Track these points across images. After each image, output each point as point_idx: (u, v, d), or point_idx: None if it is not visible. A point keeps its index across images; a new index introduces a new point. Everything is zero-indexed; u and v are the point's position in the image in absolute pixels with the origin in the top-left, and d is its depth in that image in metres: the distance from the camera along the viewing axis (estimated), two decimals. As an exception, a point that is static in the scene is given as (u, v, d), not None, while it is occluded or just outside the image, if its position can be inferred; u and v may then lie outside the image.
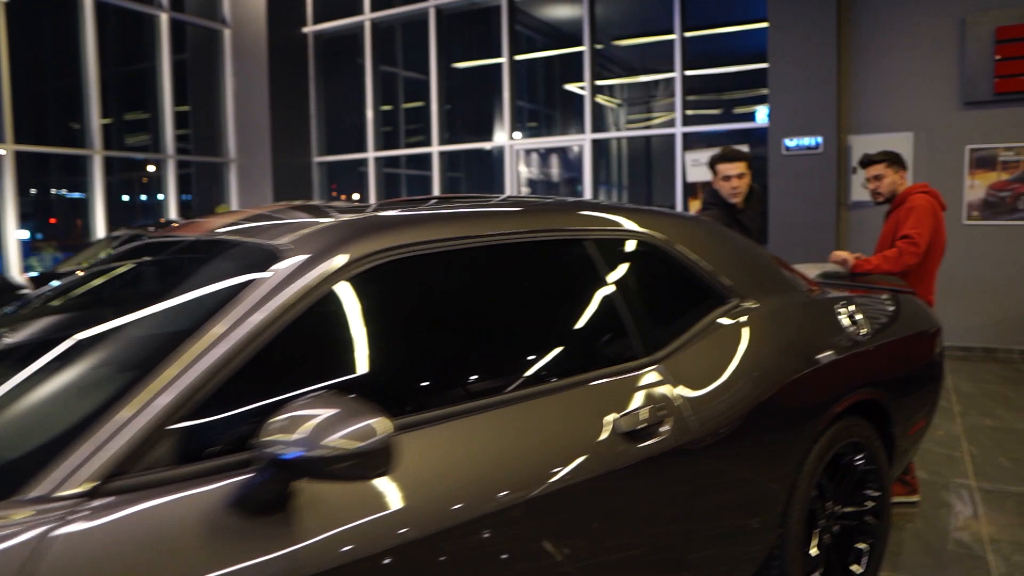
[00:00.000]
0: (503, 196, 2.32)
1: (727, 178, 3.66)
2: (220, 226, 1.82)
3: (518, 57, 10.20)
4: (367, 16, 9.99)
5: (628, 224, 2.05)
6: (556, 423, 1.62)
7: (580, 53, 8.64)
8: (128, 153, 10.42)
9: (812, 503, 2.33)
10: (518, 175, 10.42)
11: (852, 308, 2.55)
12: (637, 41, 10.27)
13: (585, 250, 1.90)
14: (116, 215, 10.69)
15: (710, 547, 1.95)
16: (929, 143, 6.80)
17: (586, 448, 1.63)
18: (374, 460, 1.20)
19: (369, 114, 10.17)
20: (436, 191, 9.81)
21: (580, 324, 1.85)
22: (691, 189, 7.84)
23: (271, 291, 1.41)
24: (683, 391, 1.85)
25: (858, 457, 2.50)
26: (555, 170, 11.04)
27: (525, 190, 10.82)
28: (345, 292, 1.49)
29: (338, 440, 1.18)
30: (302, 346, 1.42)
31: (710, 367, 1.96)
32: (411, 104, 10.84)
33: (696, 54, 8.32)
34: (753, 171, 7.14)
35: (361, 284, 1.51)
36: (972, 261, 6.72)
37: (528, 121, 12.23)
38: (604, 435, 1.66)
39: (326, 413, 1.21)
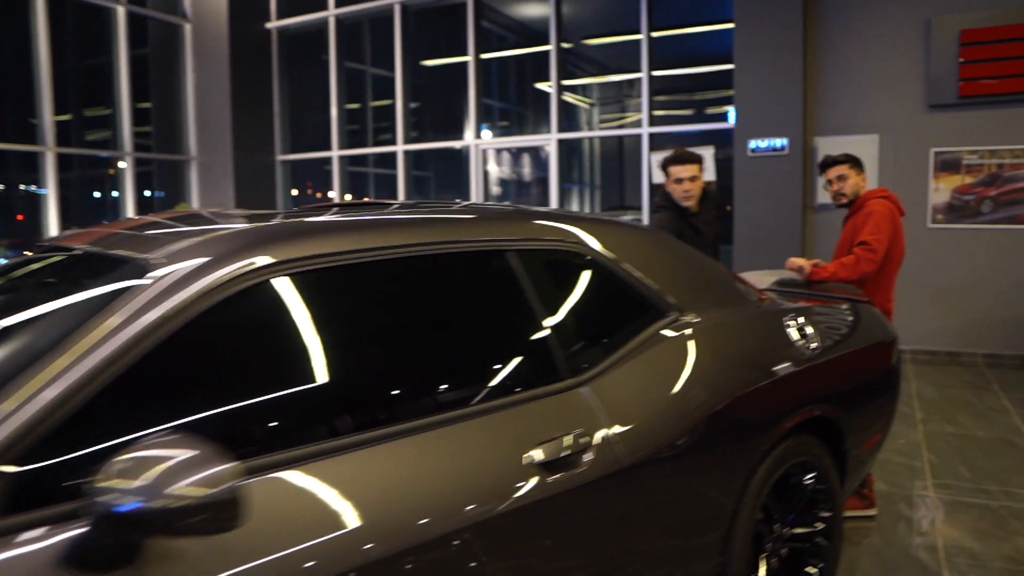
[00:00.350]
0: (462, 203, 2.18)
1: (679, 181, 3.53)
2: (103, 235, 1.65)
3: (488, 55, 10.04)
4: (331, 12, 9.78)
5: (556, 233, 1.91)
6: (463, 454, 1.48)
7: (548, 52, 8.50)
8: (84, 150, 10.12)
9: (758, 526, 2.21)
10: (487, 175, 10.30)
11: (802, 321, 2.43)
12: (607, 40, 10.17)
13: (507, 262, 1.75)
14: (87, 212, 10.45)
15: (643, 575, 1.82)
16: (894, 145, 6.75)
17: (497, 481, 1.48)
18: (227, 510, 1.05)
19: (333, 112, 9.96)
20: (401, 190, 9.63)
21: (497, 344, 1.69)
22: (657, 191, 7.73)
23: (133, 314, 1.25)
24: (611, 414, 1.71)
25: (808, 477, 2.38)
26: (526, 170, 10.90)
27: (496, 190, 10.68)
28: (224, 313, 1.33)
29: (184, 488, 1.02)
30: (165, 376, 1.26)
31: (642, 387, 1.82)
32: (379, 102, 10.65)
33: (664, 54, 8.23)
34: (719, 172, 7.12)
35: (244, 303, 1.35)
36: (936, 264, 6.69)
37: (500, 120, 12.09)
38: (518, 466, 1.52)
39: (181, 455, 1.05)
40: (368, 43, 10.75)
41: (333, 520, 1.28)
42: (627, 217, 8.75)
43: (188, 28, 10.15)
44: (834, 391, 2.45)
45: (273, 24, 10.21)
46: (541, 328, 1.73)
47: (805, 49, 6.79)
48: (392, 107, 9.65)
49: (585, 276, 1.93)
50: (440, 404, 1.52)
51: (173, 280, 1.30)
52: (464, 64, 9.15)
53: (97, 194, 10.88)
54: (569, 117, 11.85)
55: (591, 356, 1.79)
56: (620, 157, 11.98)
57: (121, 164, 10.17)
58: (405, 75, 9.47)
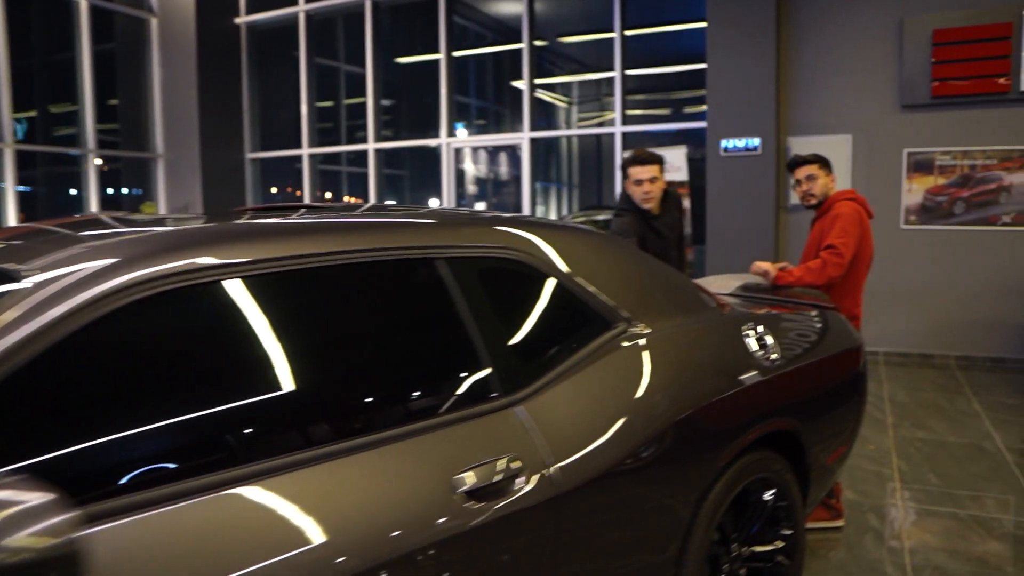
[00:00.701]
0: (426, 208, 2.04)
1: (639, 182, 3.41)
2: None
3: (465, 53, 9.91)
4: (302, 7, 9.59)
5: (492, 238, 1.77)
6: (381, 482, 1.34)
7: (520, 49, 8.38)
8: (44, 147, 9.87)
9: (714, 547, 2.10)
10: (463, 174, 10.19)
11: (761, 330, 2.32)
12: (582, 38, 10.08)
13: (435, 271, 1.61)
14: (57, 209, 10.23)
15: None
16: (867, 146, 6.70)
17: (419, 511, 1.35)
18: (70, 566, 0.91)
19: (304, 109, 9.78)
20: (372, 190, 9.47)
21: (422, 361, 1.55)
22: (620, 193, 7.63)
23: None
24: (547, 436, 1.58)
25: (768, 494, 2.27)
26: (503, 168, 10.79)
27: (472, 189, 10.55)
28: (104, 331, 1.18)
29: (23, 540, 0.89)
30: (25, 408, 1.12)
31: (584, 406, 1.70)
32: (353, 100, 10.48)
33: (640, 53, 8.13)
34: (693, 172, 7.03)
35: (117, 324, 1.21)
36: (910, 266, 6.65)
37: (477, 118, 11.96)
38: (444, 494, 1.39)
39: (22, 500, 0.92)
40: (341, 39, 10.58)
41: (233, 560, 1.14)
42: (601, 216, 8.65)
43: (155, 23, 9.92)
44: (796, 403, 2.35)
45: (242, 19, 10.01)
46: (472, 343, 1.59)
47: (778, 48, 6.72)
48: (365, 105, 9.49)
49: (524, 285, 1.79)
50: (355, 428, 1.38)
51: (41, 299, 1.16)
52: (452, 61, 8.99)
53: (73, 191, 10.68)
54: (548, 116, 11.75)
55: (528, 373, 1.66)
56: (598, 156, 11.91)
57: (97, 161, 10.01)
58: (376, 72, 9.31)
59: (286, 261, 1.39)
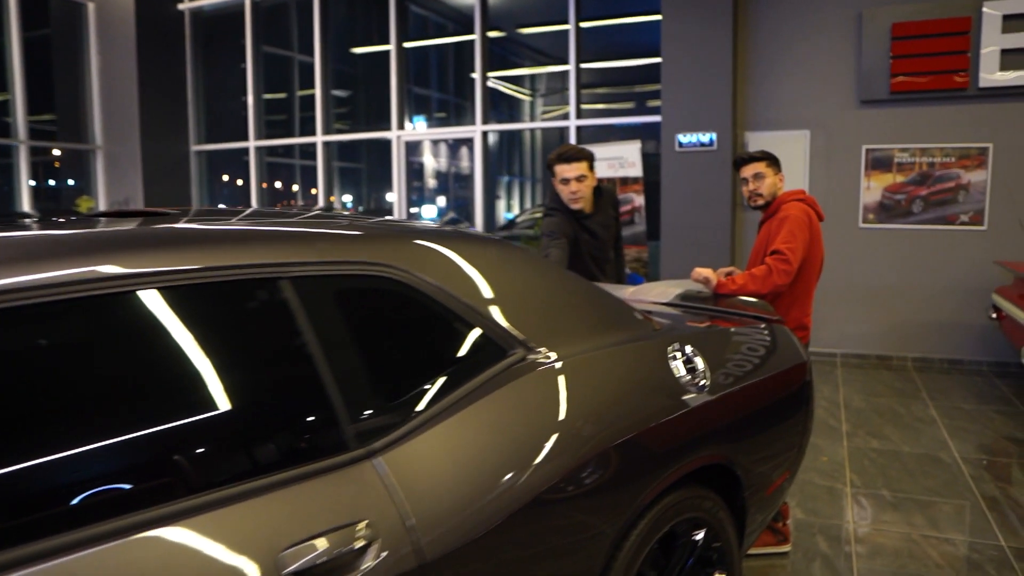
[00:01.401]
0: (285, 215, 1.74)
1: (565, 181, 3.13)
2: None
3: (418, 43, 9.57)
4: (248, -7, 9.19)
5: (358, 252, 1.47)
6: (185, 563, 1.06)
7: (473, 41, 8.08)
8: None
9: (633, 599, 1.84)
10: (422, 167, 9.89)
11: (690, 351, 2.07)
12: (540, 30, 9.79)
13: (279, 294, 1.32)
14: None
15: None
16: (826, 142, 6.52)
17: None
18: None
19: (250, 100, 9.38)
20: (321, 183, 9.12)
21: (251, 406, 1.25)
22: (547, 191, 7.38)
23: None
24: (410, 493, 1.31)
25: (696, 535, 2.03)
26: (463, 162, 10.49)
27: (431, 182, 10.23)
28: None
29: None
30: None
31: (458, 456, 1.42)
32: (307, 91, 10.09)
33: (597, 46, 7.88)
34: (650, 167, 6.80)
35: None
36: (867, 265, 6.50)
37: (437, 111, 11.62)
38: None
39: None
40: (295, 28, 10.18)
41: None
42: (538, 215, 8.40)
43: (92, 7, 9.43)
44: (729, 433, 2.10)
45: (186, 5, 9.57)
46: (320, 382, 1.30)
47: (735, 41, 6.50)
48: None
49: (397, 308, 1.51)
50: (151, 496, 1.09)
51: None
52: (401, 52, 8.66)
53: (32, 183, 10.19)
54: (511, 109, 11.44)
55: (394, 416, 1.38)
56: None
57: (55, 152, 9.58)
58: (326, 62, 8.94)
59: (73, 287, 1.09)
